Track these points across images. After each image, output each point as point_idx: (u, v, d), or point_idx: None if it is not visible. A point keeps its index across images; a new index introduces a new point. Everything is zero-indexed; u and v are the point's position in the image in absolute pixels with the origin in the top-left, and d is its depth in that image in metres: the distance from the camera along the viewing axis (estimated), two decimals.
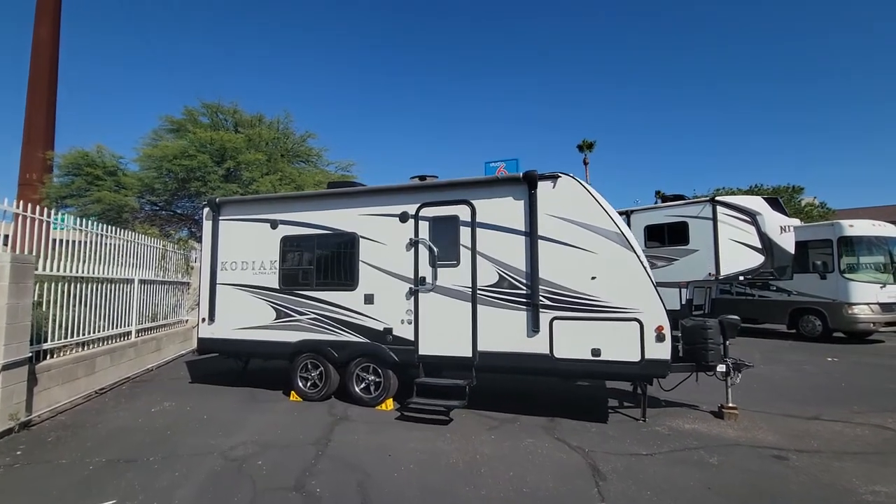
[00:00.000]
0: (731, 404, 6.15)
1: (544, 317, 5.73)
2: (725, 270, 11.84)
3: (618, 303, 5.48)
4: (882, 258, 13.95)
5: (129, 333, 8.79)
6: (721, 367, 5.97)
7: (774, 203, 12.59)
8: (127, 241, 8.82)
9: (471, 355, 5.99)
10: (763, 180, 38.64)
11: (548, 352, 5.68)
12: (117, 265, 8.43)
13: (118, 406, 6.63)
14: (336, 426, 5.66)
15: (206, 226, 7.73)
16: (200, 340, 7.57)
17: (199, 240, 13.64)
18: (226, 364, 9.24)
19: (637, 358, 5.37)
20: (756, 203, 12.27)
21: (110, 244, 8.21)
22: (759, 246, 11.85)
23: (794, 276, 13.39)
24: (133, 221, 13.90)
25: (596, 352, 5.51)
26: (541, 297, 5.74)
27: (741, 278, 12.28)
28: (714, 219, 12.06)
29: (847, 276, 13.49)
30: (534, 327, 5.74)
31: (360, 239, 6.72)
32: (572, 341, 5.61)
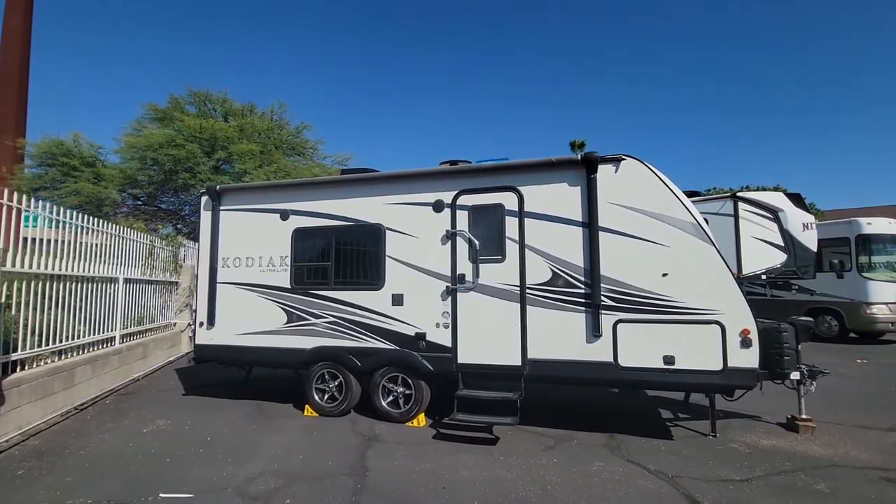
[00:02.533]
0: (804, 416, 5.52)
1: (607, 319, 4.99)
2: (748, 269, 11.32)
3: (694, 303, 4.78)
4: None
5: (112, 339, 7.79)
6: (795, 375, 5.31)
7: (797, 199, 12.13)
8: (110, 235, 7.81)
9: (520, 364, 5.22)
10: (741, 181, 38.81)
11: (611, 360, 4.95)
12: (99, 262, 7.42)
13: (103, 425, 5.66)
14: (367, 449, 4.83)
15: (205, 217, 6.80)
16: (198, 347, 6.63)
17: (188, 236, 12.60)
18: (223, 372, 8.28)
19: (718, 367, 4.67)
20: (778, 199, 11.79)
21: (91, 240, 7.21)
22: (782, 244, 11.39)
23: (816, 275, 12.97)
24: (114, 216, 12.77)
25: (669, 359, 4.79)
26: (602, 297, 5.01)
27: (763, 277, 11.84)
28: (735, 215, 11.56)
29: (865, 275, 13.14)
30: (594, 331, 5.00)
31: (387, 231, 5.89)
32: (640, 347, 4.88)
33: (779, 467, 4.41)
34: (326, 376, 6.06)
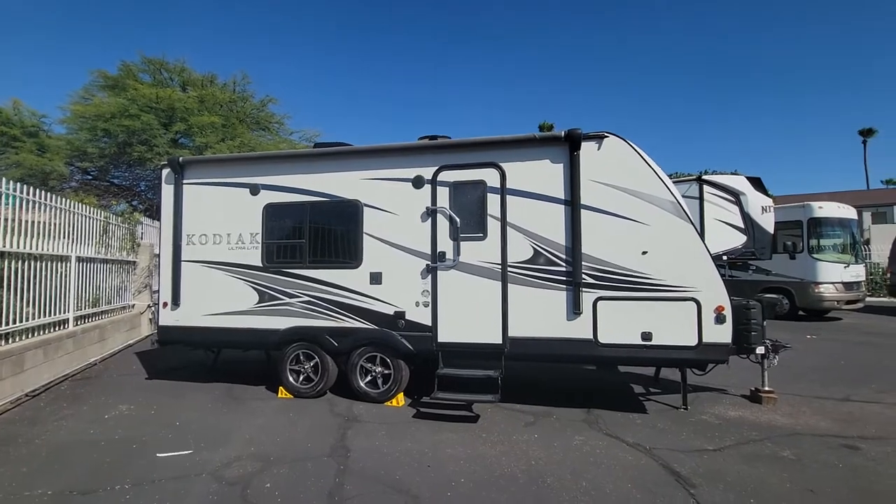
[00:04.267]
0: (767, 388, 5.79)
1: (587, 297, 5.03)
2: (710, 250, 11.75)
3: (672, 280, 4.87)
4: (845, 239, 14.52)
5: (65, 321, 7.29)
6: (760, 350, 5.55)
7: (757, 183, 12.63)
8: (61, 210, 7.23)
9: (500, 342, 5.20)
10: (700, 167, 40.21)
11: (591, 337, 5.00)
12: (50, 238, 6.88)
13: (59, 413, 5.31)
14: (347, 430, 4.72)
15: (166, 191, 6.38)
16: (162, 329, 6.29)
17: (144, 213, 11.90)
18: (189, 355, 7.97)
19: (693, 342, 4.80)
20: (740, 183, 12.21)
21: (39, 216, 6.65)
22: (742, 226, 11.86)
23: (772, 256, 13.61)
24: (62, 191, 11.89)
25: (646, 336, 4.89)
26: (583, 275, 5.03)
27: (724, 258, 12.32)
28: (700, 198, 11.91)
29: (815, 256, 13.89)
30: (575, 309, 5.03)
31: (365, 208, 5.69)
32: (620, 325, 4.95)
33: (747, 436, 4.61)
34: (301, 357, 5.88)
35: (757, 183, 13.49)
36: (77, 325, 7.58)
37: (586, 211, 5.05)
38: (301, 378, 5.89)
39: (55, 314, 6.95)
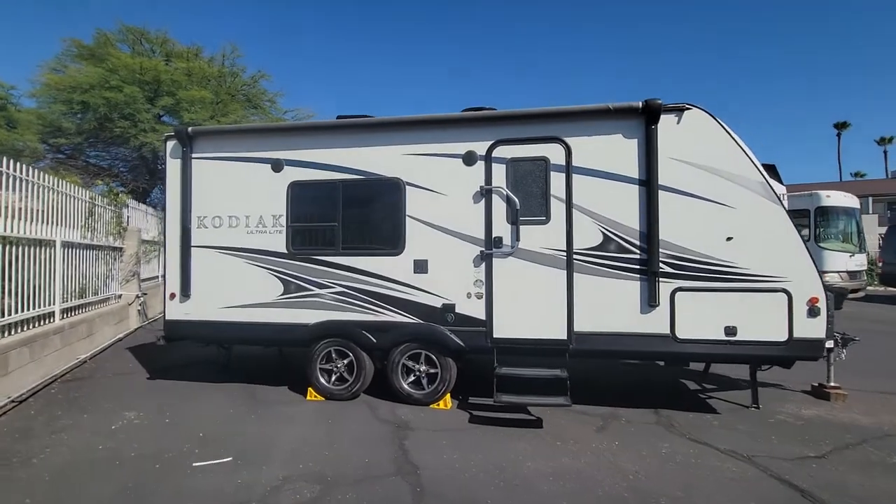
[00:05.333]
0: (833, 384, 5.46)
1: (664, 288, 4.53)
2: None
3: (760, 269, 4.40)
4: (850, 228, 14.52)
5: (51, 315, 6.43)
6: (829, 343, 5.17)
7: (772, 171, 12.39)
8: (43, 188, 6.33)
9: (564, 338, 4.68)
10: None
11: (668, 332, 4.52)
12: (31, 221, 6.00)
13: (55, 423, 4.55)
14: (403, 440, 4.13)
15: (172, 166, 5.58)
16: (170, 324, 5.54)
17: (131, 194, 10.90)
18: (190, 350, 7.20)
19: (783, 337, 4.36)
20: None
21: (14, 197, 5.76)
22: None
23: None
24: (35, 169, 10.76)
25: (730, 331, 4.43)
26: (660, 264, 4.52)
27: None
28: None
29: (821, 245, 13.83)
30: (650, 301, 4.53)
31: (407, 187, 5.04)
32: (701, 318, 4.48)
33: (842, 440, 4.22)
34: (333, 355, 5.24)
35: (772, 170, 13.20)
36: (63, 318, 6.73)
37: (664, 192, 4.53)
38: (333, 378, 5.25)
39: (39, 307, 6.10)
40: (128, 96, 10.72)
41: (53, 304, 6.46)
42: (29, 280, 5.83)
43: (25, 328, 5.77)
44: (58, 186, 6.73)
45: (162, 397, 5.31)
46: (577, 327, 4.67)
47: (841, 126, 53.86)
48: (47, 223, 6.47)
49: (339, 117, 5.75)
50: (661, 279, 4.53)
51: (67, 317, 6.89)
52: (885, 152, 51.61)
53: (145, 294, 10.56)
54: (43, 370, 5.87)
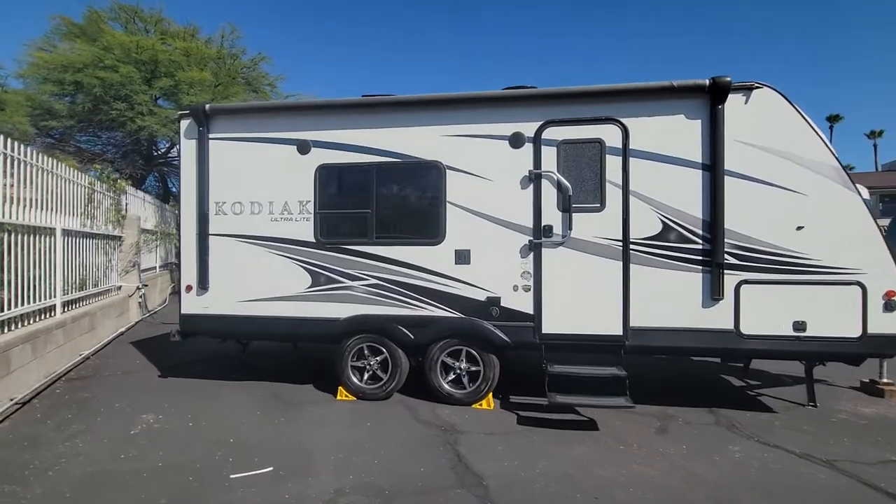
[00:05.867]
0: (886, 380, 5.24)
1: (729, 280, 4.23)
2: None
3: (833, 261, 4.12)
4: None
5: (52, 308, 5.98)
6: None
7: None
8: (42, 171, 5.84)
9: (620, 333, 4.37)
10: None
11: (732, 327, 4.23)
12: (30, 206, 5.52)
13: (67, 427, 4.14)
14: (455, 445, 3.80)
15: (187, 147, 5.13)
16: (186, 319, 5.13)
17: (129, 179, 10.36)
18: (199, 345, 6.78)
19: (856, 333, 4.09)
20: None
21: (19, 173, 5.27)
22: None
23: None
24: None
25: (799, 326, 4.15)
26: (725, 254, 4.22)
27: None
28: None
29: None
30: (714, 294, 4.23)
31: (448, 171, 4.66)
32: (767, 313, 4.19)
33: None
34: (366, 351, 4.88)
35: None
36: (65, 311, 6.27)
37: (730, 178, 4.21)
38: (366, 376, 4.90)
39: (41, 300, 5.64)
40: (124, 76, 10.12)
41: (54, 296, 6.00)
42: (28, 271, 5.36)
43: (25, 323, 5.32)
44: (58, 170, 6.23)
45: (178, 397, 4.92)
46: (633, 322, 4.36)
47: (833, 119, 54.19)
48: (47, 209, 5.99)
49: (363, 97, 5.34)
50: (725, 271, 4.22)
51: (68, 310, 6.43)
52: (874, 146, 52.06)
53: (146, 286, 10.07)
54: (45, 368, 5.43)
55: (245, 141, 5.02)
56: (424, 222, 4.75)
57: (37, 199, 5.71)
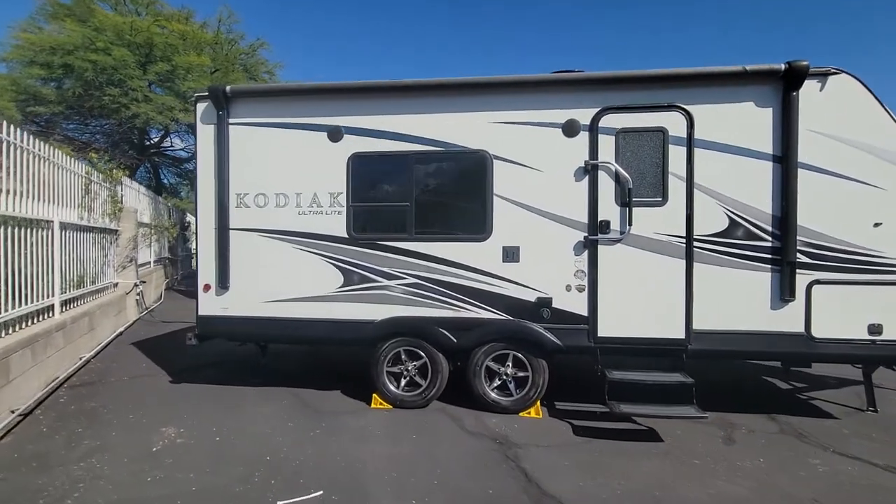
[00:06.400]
0: None
1: (800, 280, 3.96)
2: None
3: None
4: None
5: (51, 308, 5.50)
6: None
7: None
8: (38, 158, 5.33)
9: (682, 336, 4.08)
10: None
11: (802, 330, 3.96)
12: (26, 197, 5.03)
13: (78, 443, 3.71)
14: (519, 461, 3.47)
15: (204, 133, 4.68)
16: (204, 321, 4.70)
17: (126, 170, 9.79)
18: (208, 346, 6.26)
19: None
20: None
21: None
22: None
23: None
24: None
25: (875, 329, 3.90)
26: (797, 252, 3.94)
27: None
28: None
29: None
30: (784, 295, 3.96)
31: (494, 161, 4.30)
32: (841, 315, 3.93)
33: None
34: (403, 356, 4.52)
35: None
36: (63, 311, 5.79)
37: (803, 170, 3.92)
38: (404, 383, 4.54)
39: (39, 299, 5.16)
40: (117, 60, 9.50)
41: (52, 295, 5.52)
42: (25, 268, 4.88)
43: (23, 325, 4.85)
44: (55, 158, 5.72)
45: (197, 407, 4.50)
46: (696, 325, 4.07)
47: None
48: (43, 201, 5.49)
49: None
50: (797, 270, 3.95)
51: (66, 309, 5.94)
52: None
53: (143, 282, 9.55)
54: (46, 374, 4.97)
55: (269, 126, 4.59)
56: (469, 217, 4.39)
57: (32, 190, 5.21)
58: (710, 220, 4.06)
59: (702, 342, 4.07)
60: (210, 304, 4.68)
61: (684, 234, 4.07)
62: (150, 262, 11.35)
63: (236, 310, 4.65)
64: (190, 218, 19.27)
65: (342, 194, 4.50)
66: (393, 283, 4.45)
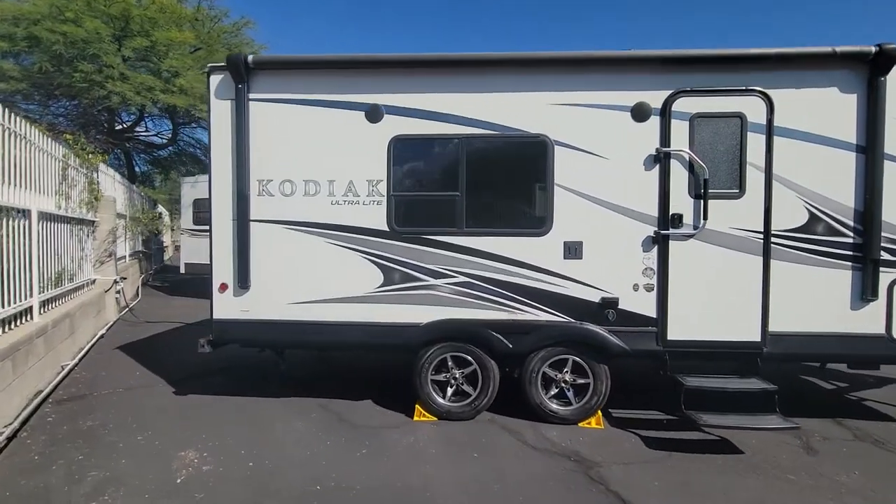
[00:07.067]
0: None
1: (883, 278, 3.72)
2: None
3: None
4: None
5: (29, 310, 4.77)
6: None
7: None
8: (14, 136, 4.59)
9: (758, 339, 3.79)
10: None
11: (883, 331, 3.74)
12: (1, 182, 4.30)
13: (83, 475, 3.11)
14: (605, 483, 3.09)
15: (220, 110, 4.08)
16: (221, 325, 4.12)
17: (104, 154, 8.88)
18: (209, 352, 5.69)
19: None
20: None
21: None
22: None
23: None
24: None
25: None
26: (881, 249, 3.70)
27: None
28: None
29: None
30: (865, 295, 3.72)
31: (556, 147, 3.89)
32: None
33: None
34: (450, 362, 4.07)
35: None
36: (42, 311, 5.06)
37: (889, 162, 3.68)
38: (451, 392, 4.10)
39: (16, 300, 4.44)
40: (90, 32, 8.55)
41: (31, 295, 4.79)
42: (2, 264, 4.17)
43: (3, 331, 4.15)
44: (32, 137, 4.96)
45: (215, 424, 3.94)
46: (772, 327, 3.79)
47: None
48: (18, 186, 4.74)
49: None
50: (881, 268, 3.71)
51: (45, 311, 5.21)
52: None
53: (124, 278, 8.72)
54: (27, 387, 4.29)
55: (298, 104, 4.03)
56: (526, 208, 3.98)
57: (6, 173, 4.47)
58: (788, 215, 3.77)
59: (777, 345, 3.79)
60: (227, 307, 4.10)
61: (762, 230, 3.77)
62: (125, 257, 10.46)
63: (258, 312, 4.09)
64: (161, 209, 18.12)
65: (382, 182, 3.99)
66: (440, 281, 3.98)
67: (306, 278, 4.06)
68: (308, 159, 4.04)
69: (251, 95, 4.02)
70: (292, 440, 3.67)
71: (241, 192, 4.04)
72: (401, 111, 3.98)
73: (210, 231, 4.15)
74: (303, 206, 4.05)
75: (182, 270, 11.69)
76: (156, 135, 14.66)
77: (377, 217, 4.00)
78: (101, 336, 6.94)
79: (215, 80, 4.06)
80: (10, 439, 3.54)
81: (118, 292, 8.46)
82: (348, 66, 4.03)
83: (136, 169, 15.10)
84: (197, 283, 12.03)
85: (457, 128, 3.94)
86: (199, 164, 15.91)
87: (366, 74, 4.01)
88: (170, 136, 14.04)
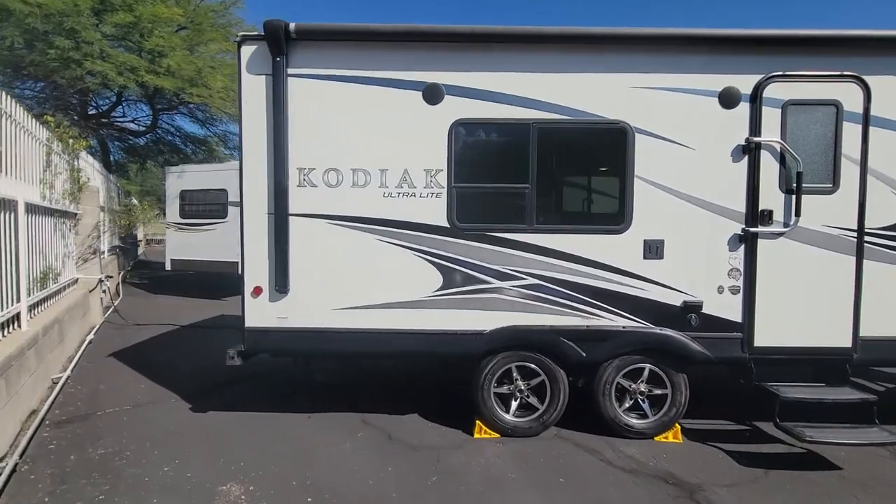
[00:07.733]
0: None
1: None
2: None
3: None
4: None
5: (17, 318, 4.12)
6: None
7: None
8: (2, 115, 3.92)
9: (849, 345, 3.53)
10: None
11: None
12: None
13: None
14: None
15: (253, 86, 3.53)
16: (254, 334, 3.59)
17: (87, 140, 8.06)
18: (216, 356, 5.11)
19: None
20: None
21: None
22: None
23: None
24: None
25: None
26: None
27: None
28: None
29: None
30: None
31: (636, 135, 3.51)
32: None
33: None
34: (515, 373, 3.67)
35: None
36: (31, 316, 4.41)
37: None
38: (516, 406, 3.70)
39: (4, 306, 3.80)
40: (68, 4, 7.70)
41: (18, 300, 4.14)
42: None
43: None
44: (18, 116, 4.28)
45: (249, 447, 3.43)
46: (863, 331, 3.53)
47: None
48: (2, 173, 4.07)
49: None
50: None
51: (33, 316, 4.55)
52: None
53: (110, 277, 7.96)
54: (21, 408, 3.69)
55: (345, 81, 3.52)
56: (604, 203, 3.62)
57: None
58: (883, 211, 3.51)
59: (869, 351, 3.54)
60: (263, 313, 3.58)
61: (856, 227, 3.50)
62: (104, 253, 9.63)
63: (298, 319, 3.59)
64: (134, 201, 17.03)
65: (441, 172, 3.53)
66: (507, 284, 3.57)
67: (354, 281, 3.58)
68: (357, 145, 3.54)
69: (291, 70, 3.49)
70: (347, 466, 3.20)
71: (277, 183, 3.51)
72: (464, 92, 3.51)
73: (241, 227, 3.60)
74: (351, 199, 3.55)
75: (168, 267, 10.90)
76: (132, 121, 13.64)
77: (436, 211, 3.55)
78: (90, 342, 6.26)
79: (247, 51, 3.50)
80: (9, 475, 2.95)
81: (104, 292, 7.71)
82: (404, 39, 3.53)
83: (111, 157, 14.03)
84: (180, 280, 11.27)
85: (527, 111, 3.51)
86: (179, 153, 14.96)
87: (424, 49, 3.53)
88: (149, 123, 13.07)
